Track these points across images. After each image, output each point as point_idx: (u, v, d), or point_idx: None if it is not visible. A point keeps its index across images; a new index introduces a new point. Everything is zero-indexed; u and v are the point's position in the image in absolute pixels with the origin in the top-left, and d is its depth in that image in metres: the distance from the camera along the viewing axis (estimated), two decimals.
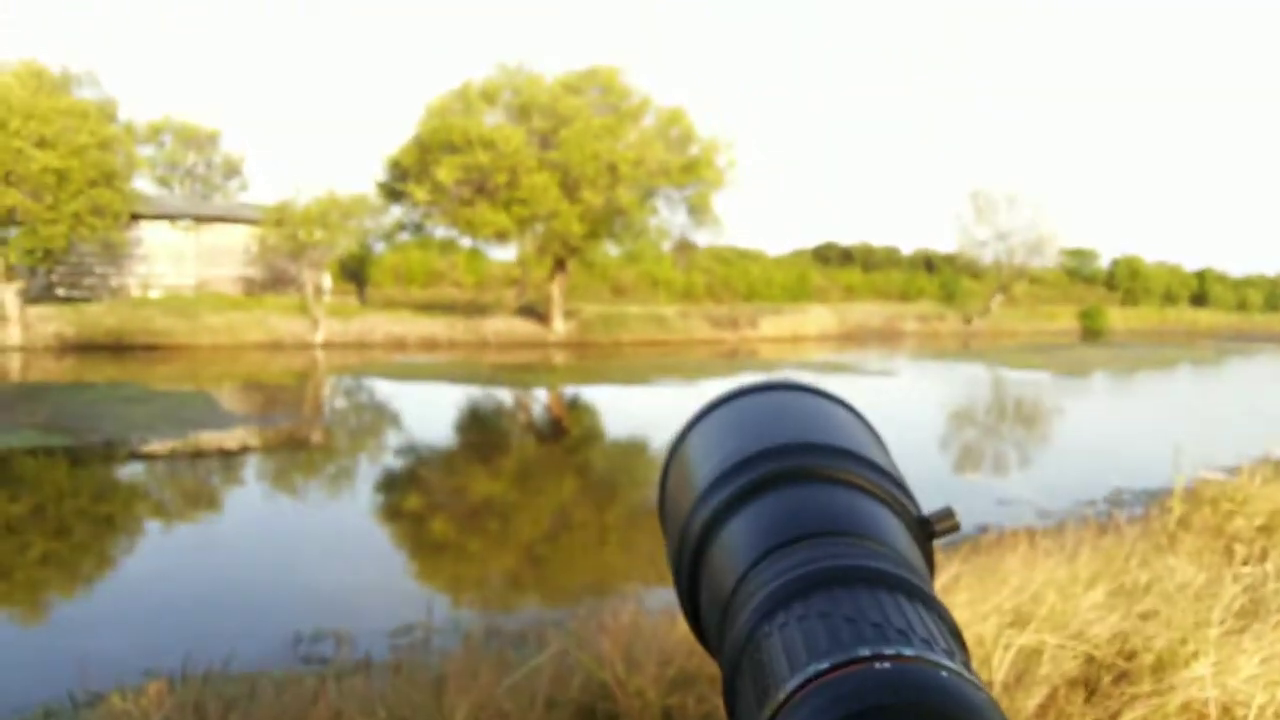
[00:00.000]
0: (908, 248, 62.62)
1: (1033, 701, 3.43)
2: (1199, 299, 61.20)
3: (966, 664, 0.40)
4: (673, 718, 2.97)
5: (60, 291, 24.91)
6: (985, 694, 0.38)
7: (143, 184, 29.79)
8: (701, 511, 0.53)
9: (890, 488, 0.53)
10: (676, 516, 0.57)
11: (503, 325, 27.55)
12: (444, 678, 3.11)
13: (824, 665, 0.39)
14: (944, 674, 0.38)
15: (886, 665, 0.38)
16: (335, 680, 3.25)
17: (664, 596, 5.03)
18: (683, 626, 3.69)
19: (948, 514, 0.53)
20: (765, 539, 0.49)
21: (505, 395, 17.41)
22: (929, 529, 0.53)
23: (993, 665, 3.49)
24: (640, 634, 3.54)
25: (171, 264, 26.95)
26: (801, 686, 0.39)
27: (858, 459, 0.54)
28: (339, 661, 4.26)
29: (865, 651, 0.39)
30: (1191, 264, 64.54)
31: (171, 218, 27.05)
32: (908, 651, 0.39)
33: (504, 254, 31.35)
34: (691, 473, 0.57)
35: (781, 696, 0.40)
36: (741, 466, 0.53)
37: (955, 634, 0.42)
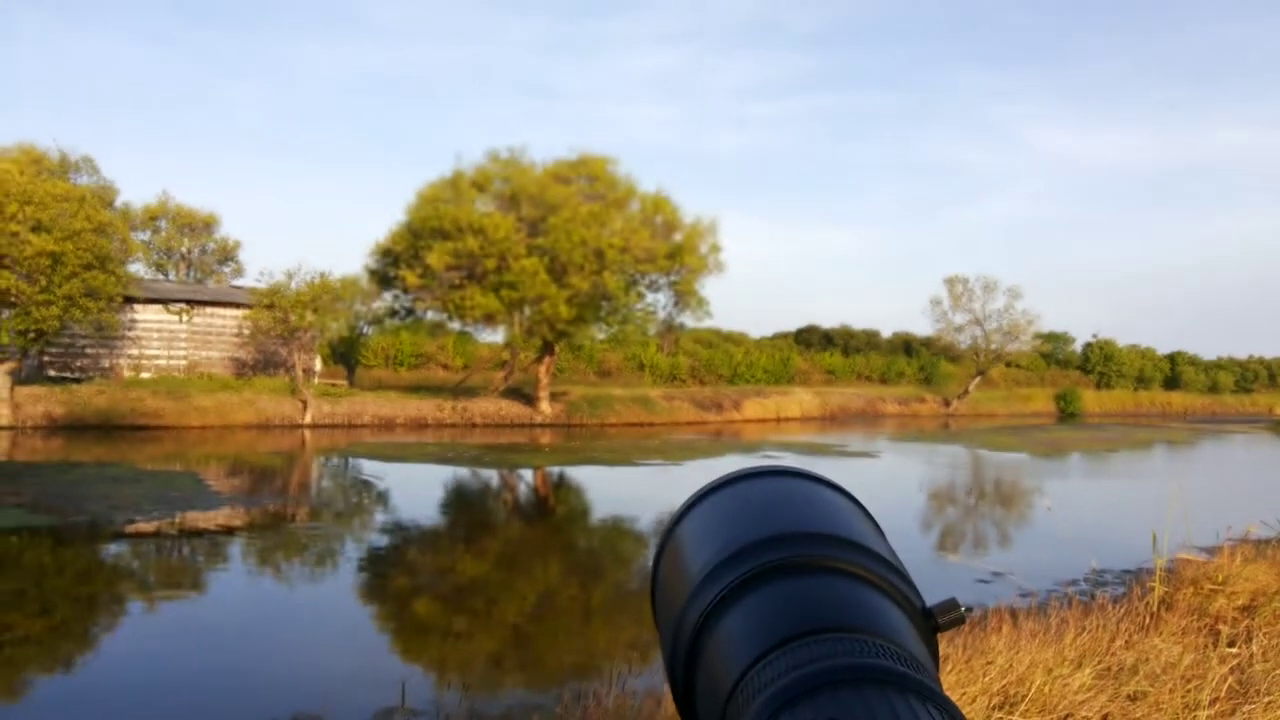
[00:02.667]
0: (887, 331, 63.32)
1: None
2: (1171, 381, 61.92)
3: None
4: None
5: (51, 372, 24.95)
6: None
7: (138, 267, 30.09)
8: (697, 603, 0.51)
9: (893, 579, 0.51)
10: (670, 607, 0.54)
11: (490, 406, 27.67)
12: None
13: None
14: None
15: None
16: None
17: (647, 681, 4.99)
18: (667, 710, 3.73)
19: (952, 606, 0.52)
20: (766, 635, 0.47)
21: (492, 475, 17.45)
22: (933, 622, 0.51)
23: None
24: (624, 718, 3.47)
25: (163, 346, 27.10)
26: None
27: (859, 549, 0.52)
28: None
29: None
30: (1164, 347, 65.44)
31: (165, 301, 27.26)
32: None
33: (492, 336, 31.62)
34: (686, 562, 0.54)
35: None
36: (739, 556, 0.51)
37: None
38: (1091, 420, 44.31)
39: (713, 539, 0.54)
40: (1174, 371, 62.66)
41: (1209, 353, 70.43)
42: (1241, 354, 72.27)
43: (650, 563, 0.59)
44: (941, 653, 4.87)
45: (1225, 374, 65.41)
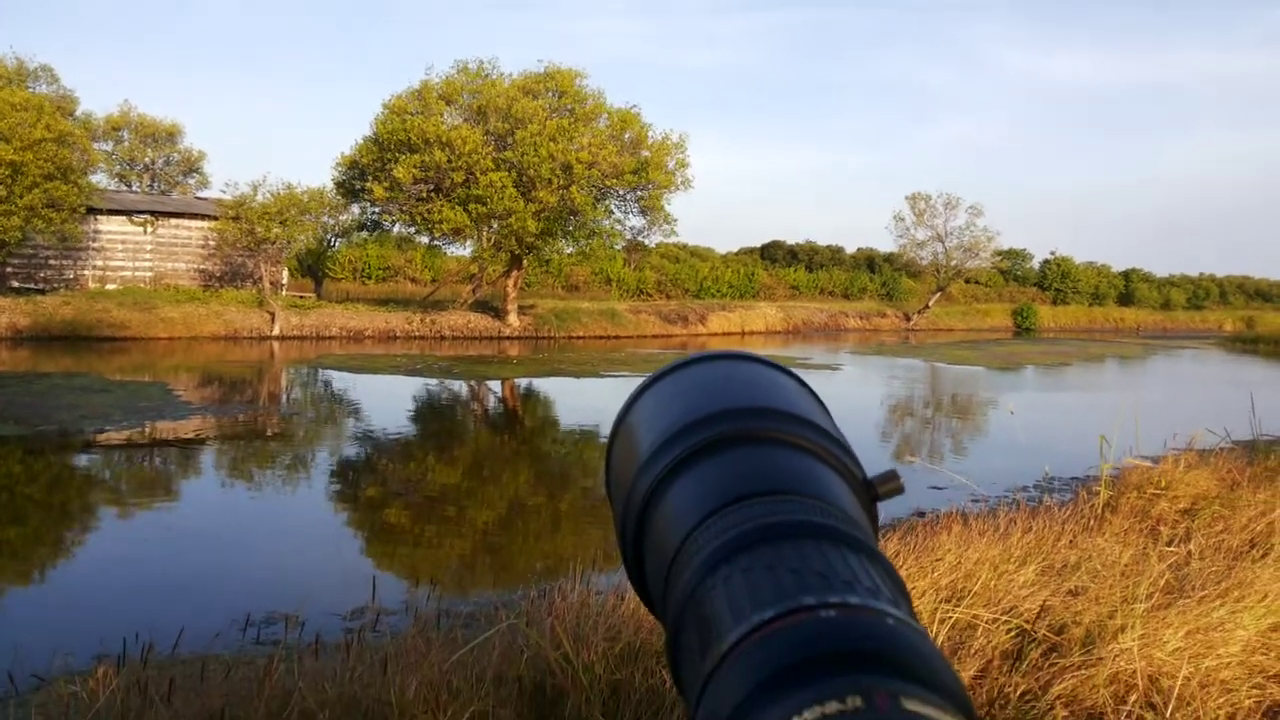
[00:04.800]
0: (851, 247, 63.66)
1: (967, 673, 3.51)
2: (1125, 298, 62.93)
3: (911, 615, 0.40)
4: (619, 692, 2.98)
5: (15, 284, 24.63)
6: (930, 642, 0.37)
7: (100, 178, 29.54)
8: (646, 476, 0.52)
9: (835, 450, 0.53)
10: (622, 484, 0.55)
11: (458, 319, 27.72)
12: (393, 655, 3.10)
13: (768, 614, 0.39)
14: (890, 621, 0.37)
15: (832, 613, 0.38)
16: (285, 660, 3.17)
17: (612, 579, 5.05)
18: (630, 604, 3.77)
19: (891, 476, 0.53)
20: (709, 499, 0.48)
21: (460, 386, 17.60)
22: (873, 491, 0.52)
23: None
24: (588, 612, 3.57)
25: (128, 257, 26.78)
26: (746, 636, 0.39)
27: (803, 423, 0.53)
28: (289, 644, 4.09)
29: (810, 600, 0.39)
30: (1119, 265, 66.41)
31: (129, 212, 26.86)
32: (853, 600, 0.39)
33: (460, 250, 31.49)
34: (637, 440, 0.56)
35: (725, 646, 0.39)
36: (686, 431, 0.52)
37: (900, 587, 0.42)
38: (1047, 335, 45.09)
39: (661, 419, 0.55)
40: (1128, 288, 63.65)
41: (1162, 270, 71.62)
42: (1194, 272, 73.63)
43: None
44: (893, 550, 5.14)
45: (1178, 291, 66.53)
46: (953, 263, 44.12)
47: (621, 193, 28.42)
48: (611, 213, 28.83)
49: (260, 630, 4.80)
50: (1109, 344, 38.06)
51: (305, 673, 3.06)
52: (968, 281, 51.45)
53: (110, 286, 25.75)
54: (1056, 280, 59.85)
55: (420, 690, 2.77)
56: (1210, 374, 26.06)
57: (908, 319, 44.34)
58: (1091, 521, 6.55)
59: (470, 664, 3.17)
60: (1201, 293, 68.89)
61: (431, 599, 5.47)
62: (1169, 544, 5.90)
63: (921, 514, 7.30)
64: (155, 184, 36.51)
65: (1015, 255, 61.42)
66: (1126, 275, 65.00)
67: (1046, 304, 55.95)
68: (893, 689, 0.34)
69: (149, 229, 26.93)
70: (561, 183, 26.22)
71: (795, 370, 0.61)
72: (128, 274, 26.59)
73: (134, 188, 35.01)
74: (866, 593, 0.39)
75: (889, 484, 0.53)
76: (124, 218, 26.65)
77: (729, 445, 0.51)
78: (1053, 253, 62.10)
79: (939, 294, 45.19)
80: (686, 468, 0.51)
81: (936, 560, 5.33)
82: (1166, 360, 31.38)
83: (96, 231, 25.87)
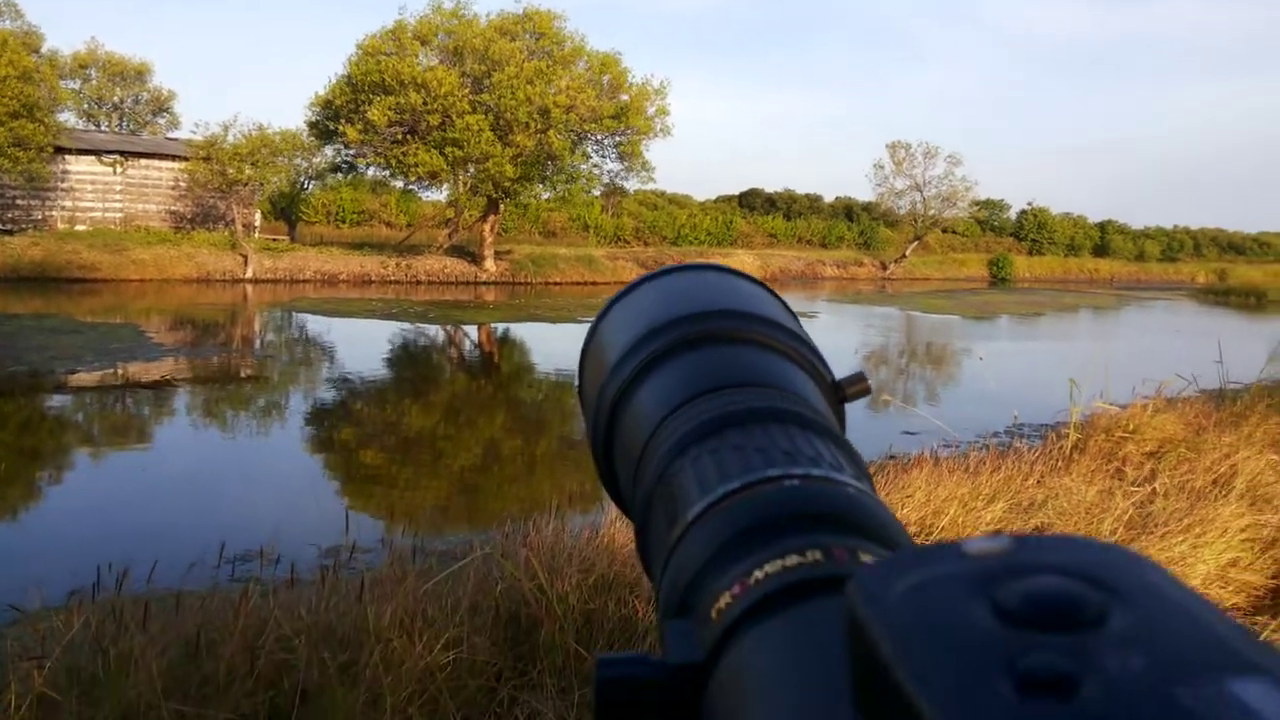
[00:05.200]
0: (829, 196, 63.56)
1: None
2: (1101, 249, 63.28)
3: (873, 491, 0.40)
4: (592, 621, 3.03)
5: None
6: (891, 513, 0.38)
7: (68, 117, 28.98)
8: (615, 380, 0.52)
9: (804, 351, 0.53)
10: (592, 394, 0.56)
11: (434, 264, 27.54)
12: (368, 586, 3.13)
13: (733, 485, 0.40)
14: (851, 490, 0.38)
15: (795, 482, 0.39)
16: (260, 592, 3.19)
17: (587, 516, 5.09)
18: (604, 538, 3.83)
19: (859, 378, 0.53)
20: (677, 394, 0.48)
21: (437, 331, 17.55)
22: (841, 393, 0.53)
23: None
24: (562, 545, 3.62)
25: (98, 198, 26.35)
26: (711, 505, 0.39)
27: (772, 324, 0.53)
28: (264, 579, 4.08)
29: (775, 473, 0.40)
30: (1095, 216, 66.75)
31: (98, 152, 26.39)
32: (816, 473, 0.40)
33: (436, 194, 31.20)
34: (606, 351, 0.56)
35: (691, 516, 0.40)
36: (653, 334, 0.52)
37: (863, 470, 0.42)
38: (1022, 285, 45.36)
39: (631, 325, 0.55)
40: (1103, 240, 63.99)
41: (1138, 223, 72.02)
42: (1169, 224, 74.06)
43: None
44: None
45: (1152, 243, 66.95)
46: (930, 212, 44.16)
47: (600, 138, 28.18)
48: (589, 158, 28.60)
49: (235, 567, 4.82)
50: (1083, 295, 38.35)
51: (280, 603, 3.08)
52: (945, 231, 51.56)
53: (80, 228, 25.37)
54: (1033, 231, 60.06)
55: (396, 616, 2.80)
56: (1181, 324, 26.32)
57: (884, 268, 44.42)
58: (1059, 462, 6.68)
59: (445, 594, 3.22)
60: (1176, 245, 69.35)
61: (406, 536, 5.50)
62: (1134, 484, 6.04)
63: (893, 457, 7.38)
64: (124, 124, 35.86)
65: (993, 206, 61.52)
66: (1102, 227, 65.32)
67: (1023, 255, 56.16)
68: (851, 545, 0.35)
69: (118, 169, 26.50)
70: (539, 127, 25.94)
71: (764, 283, 0.61)
72: (97, 215, 26.20)
73: (102, 127, 34.37)
74: (830, 468, 0.39)
75: (857, 385, 0.53)
76: (93, 158, 26.18)
77: (697, 345, 0.51)
78: (1030, 204, 62.25)
79: (916, 243, 45.27)
80: (654, 369, 0.51)
81: (907, 497, 5.44)
82: (1139, 311, 31.67)
83: (65, 171, 25.41)
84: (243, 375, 12.14)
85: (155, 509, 6.55)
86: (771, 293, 0.60)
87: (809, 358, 0.53)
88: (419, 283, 26.58)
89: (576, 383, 0.61)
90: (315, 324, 17.82)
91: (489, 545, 3.96)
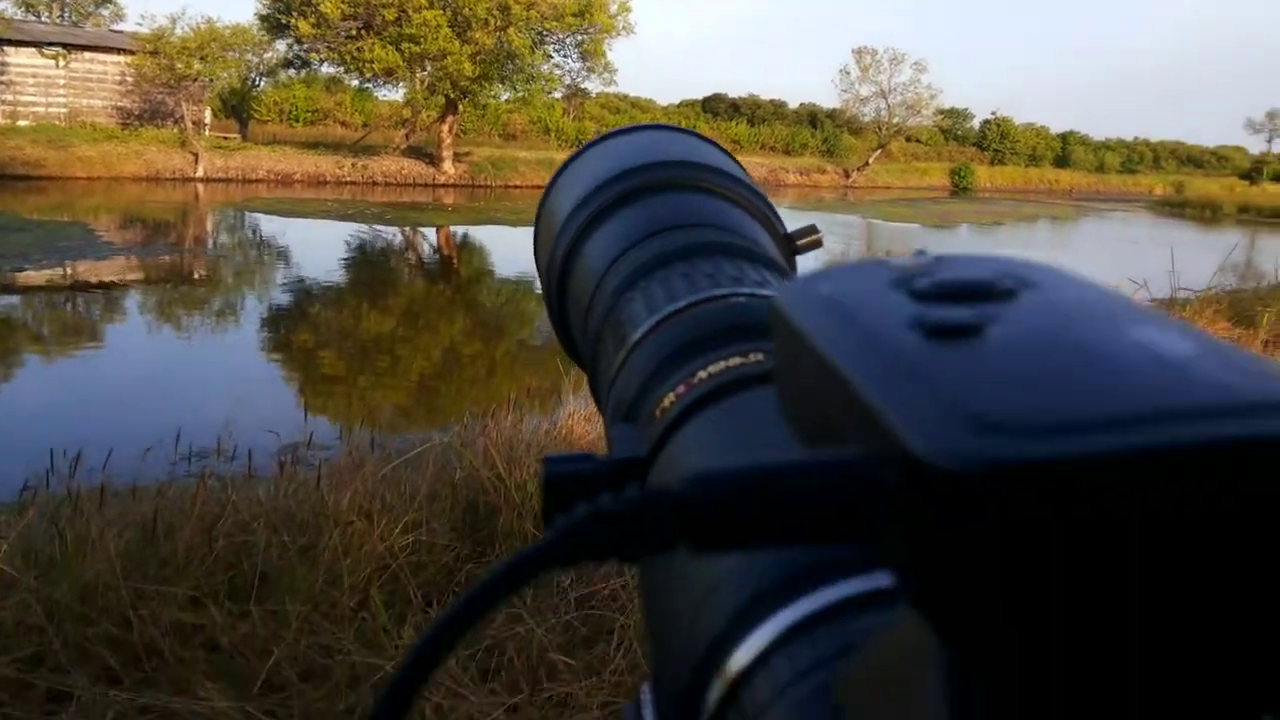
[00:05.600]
0: (794, 102, 62.92)
1: None
2: (1062, 160, 63.44)
3: None
4: None
5: None
6: None
7: (4, 6, 27.75)
8: (565, 234, 0.52)
9: (757, 202, 0.53)
10: (546, 244, 0.56)
11: (391, 165, 27.05)
12: (326, 475, 3.14)
13: (680, 304, 0.40)
14: None
15: (742, 299, 0.40)
16: (218, 484, 3.19)
17: (545, 414, 5.07)
18: (561, 430, 3.90)
19: (811, 230, 0.54)
20: (628, 237, 0.48)
21: (394, 234, 17.34)
22: (793, 245, 0.53)
23: None
24: (520, 437, 3.64)
25: (40, 92, 25.43)
26: (659, 323, 0.40)
27: (724, 174, 0.53)
28: (222, 473, 4.01)
29: (722, 292, 0.40)
30: (1058, 127, 66.77)
31: (38, 44, 25.38)
32: (764, 292, 0.41)
33: (392, 94, 30.45)
34: (557, 211, 0.55)
35: (638, 336, 0.40)
36: (605, 186, 0.52)
37: None
38: (983, 195, 45.56)
39: (585, 179, 0.54)
40: (1065, 151, 64.11)
41: (1099, 134, 72.19)
42: (1130, 136, 74.37)
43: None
44: None
45: (1112, 155, 67.23)
46: (895, 120, 43.93)
47: (561, 36, 27.57)
48: (550, 58, 28.02)
49: (191, 464, 4.78)
50: (1042, 205, 38.62)
51: (238, 491, 3.09)
52: (908, 140, 51.42)
53: (22, 123, 24.54)
54: (995, 141, 60.02)
55: (354, 501, 2.83)
56: (1137, 235, 26.61)
57: (847, 176, 44.30)
58: None
59: (404, 481, 3.25)
60: (1136, 157, 69.68)
61: (364, 433, 5.44)
62: None
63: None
64: (66, 15, 34.47)
65: (956, 115, 61.26)
66: (1064, 138, 65.39)
67: (985, 165, 56.21)
68: None
69: (61, 63, 25.56)
70: (499, 24, 25.30)
71: (719, 143, 0.60)
72: (40, 110, 25.34)
73: (43, 18, 33.04)
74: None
75: (809, 235, 0.53)
76: (33, 50, 25.19)
77: (644, 194, 0.51)
78: (994, 113, 62.07)
79: (879, 151, 45.12)
80: (603, 219, 0.51)
81: None
82: (1096, 222, 31.96)
83: (4, 64, 24.47)
84: (196, 276, 11.95)
85: (109, 410, 6.48)
86: (722, 149, 0.59)
87: (760, 207, 0.52)
88: (375, 184, 26.12)
89: (533, 242, 0.60)
90: (269, 224, 17.52)
91: (448, 437, 3.97)
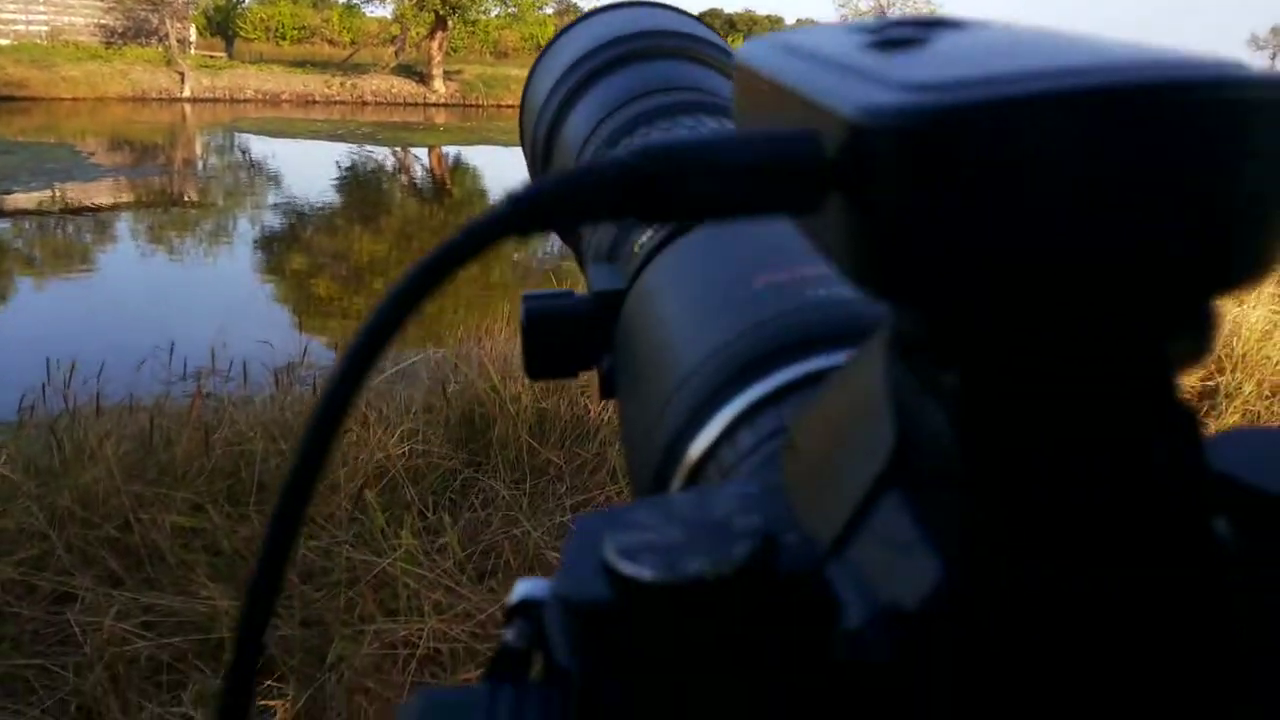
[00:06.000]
0: (790, 18, 61.91)
1: None
2: None
3: None
4: (545, 419, 3.10)
5: None
6: None
7: None
8: (548, 108, 0.52)
9: None
10: (530, 121, 0.56)
11: (381, 84, 26.63)
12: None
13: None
14: None
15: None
16: (214, 400, 3.21)
17: None
18: None
19: None
20: (612, 102, 0.48)
21: (385, 154, 17.17)
22: None
23: None
24: (515, 352, 3.51)
25: (20, 9, 24.88)
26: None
27: (708, 43, 0.53)
28: (218, 390, 3.99)
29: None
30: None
31: None
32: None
33: (380, 9, 29.91)
34: (540, 89, 0.56)
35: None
36: (589, 55, 0.52)
37: None
38: None
39: (561, 59, 0.54)
40: None
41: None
42: None
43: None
44: None
45: None
46: None
47: None
48: None
49: (185, 383, 4.78)
50: None
51: (234, 403, 3.14)
52: None
53: (3, 41, 24.08)
54: None
55: (350, 410, 2.84)
56: None
57: None
58: None
59: (399, 394, 3.28)
60: None
61: None
62: None
63: None
64: None
65: None
66: None
67: None
68: None
69: None
70: None
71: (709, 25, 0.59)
72: (20, 28, 24.85)
73: None
74: None
75: None
76: None
77: (633, 60, 0.51)
78: None
79: None
80: (590, 85, 0.50)
81: None
82: None
83: None
84: (186, 198, 11.85)
85: (102, 331, 6.45)
86: (705, 24, 0.58)
87: None
88: (365, 104, 25.73)
89: (519, 129, 0.60)
90: (259, 145, 17.32)
91: (442, 349, 4.03)
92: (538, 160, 0.53)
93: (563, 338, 0.40)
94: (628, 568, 0.15)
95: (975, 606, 0.15)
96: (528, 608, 0.18)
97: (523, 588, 0.19)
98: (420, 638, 1.87)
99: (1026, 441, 0.15)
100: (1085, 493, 0.15)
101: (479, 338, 3.99)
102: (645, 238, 0.39)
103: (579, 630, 0.16)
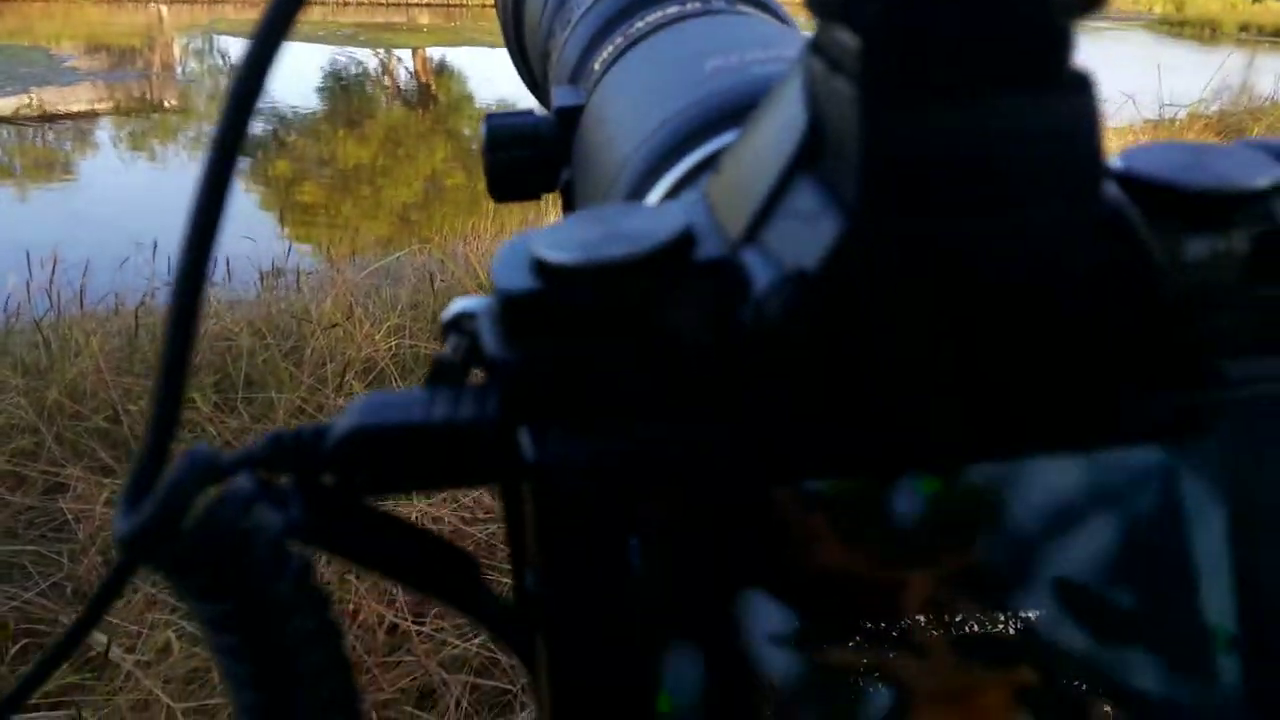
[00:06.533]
0: None
1: None
2: None
3: None
4: None
5: None
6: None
7: None
8: None
9: None
10: None
11: None
12: (307, 286, 3.22)
13: None
14: None
15: None
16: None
17: (529, 228, 5.22)
18: None
19: None
20: None
21: (368, 57, 16.83)
22: None
23: None
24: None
25: None
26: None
27: None
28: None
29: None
30: None
31: None
32: None
33: None
34: None
35: (583, 10, 0.41)
36: None
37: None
38: None
39: None
40: None
41: None
42: None
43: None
44: None
45: None
46: None
47: None
48: None
49: (170, 284, 4.79)
50: None
51: (221, 301, 3.11)
52: None
53: None
54: None
55: (338, 304, 2.87)
56: (1131, 54, 26.04)
57: None
58: None
59: (385, 293, 3.26)
60: None
61: (346, 254, 5.54)
62: None
63: None
64: None
65: None
66: None
67: None
68: None
69: None
70: None
71: None
72: None
73: None
74: None
75: None
76: None
77: None
78: None
79: None
80: None
81: None
82: (1084, 42, 31.14)
83: None
84: (166, 104, 11.62)
85: (85, 233, 6.39)
86: None
87: None
88: (346, 3, 25.08)
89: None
90: (238, 48, 16.89)
91: (428, 246, 3.98)
92: (509, 15, 0.53)
93: (525, 157, 0.40)
94: (553, 256, 0.16)
95: (875, 260, 0.15)
96: (462, 321, 0.19)
97: (459, 304, 0.20)
98: (411, 519, 1.90)
99: (923, 96, 0.15)
100: (986, 145, 0.15)
101: (465, 238, 3.96)
102: (606, 53, 0.39)
103: (508, 319, 0.16)
